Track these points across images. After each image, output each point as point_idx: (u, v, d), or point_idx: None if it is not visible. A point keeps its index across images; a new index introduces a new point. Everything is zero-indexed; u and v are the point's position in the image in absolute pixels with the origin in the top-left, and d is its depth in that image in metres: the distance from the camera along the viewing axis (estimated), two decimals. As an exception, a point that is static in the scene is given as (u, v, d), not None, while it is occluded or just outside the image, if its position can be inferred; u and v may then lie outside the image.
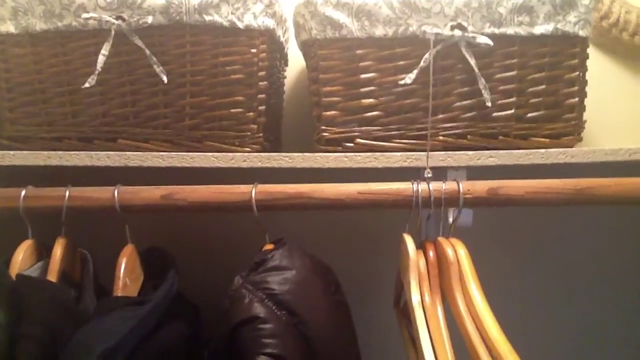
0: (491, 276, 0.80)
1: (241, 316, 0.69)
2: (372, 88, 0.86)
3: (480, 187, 0.79)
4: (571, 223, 1.15)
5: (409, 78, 0.85)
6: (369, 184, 0.79)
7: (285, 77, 1.09)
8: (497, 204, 0.80)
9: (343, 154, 0.83)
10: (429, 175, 0.82)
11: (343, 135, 0.87)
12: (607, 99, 1.11)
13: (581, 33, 0.86)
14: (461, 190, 0.78)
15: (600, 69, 1.11)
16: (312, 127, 0.90)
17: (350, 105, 0.87)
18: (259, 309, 0.69)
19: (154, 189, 0.80)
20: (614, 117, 1.11)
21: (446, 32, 0.84)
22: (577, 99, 0.87)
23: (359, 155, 0.83)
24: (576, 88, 0.87)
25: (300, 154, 0.83)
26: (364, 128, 0.87)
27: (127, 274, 0.79)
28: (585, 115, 0.89)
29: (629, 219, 1.14)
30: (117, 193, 0.79)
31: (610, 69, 1.13)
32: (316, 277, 0.78)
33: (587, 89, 0.89)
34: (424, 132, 0.87)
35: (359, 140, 0.86)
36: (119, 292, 0.77)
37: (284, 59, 1.05)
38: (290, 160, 0.83)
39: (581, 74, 0.88)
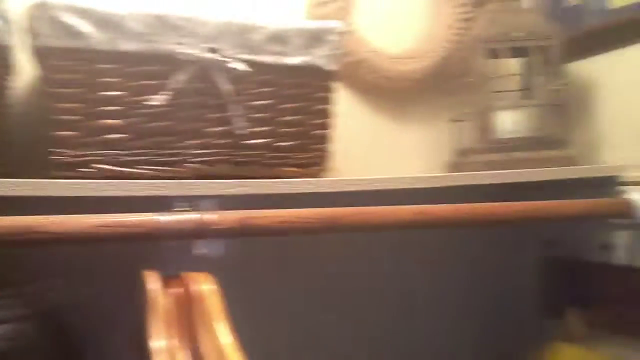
0: (245, 309, 0.77)
1: None
2: (117, 107, 0.79)
3: (231, 217, 0.76)
4: (331, 249, 1.16)
5: (159, 99, 0.79)
6: (110, 215, 0.71)
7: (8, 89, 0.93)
8: (248, 234, 0.78)
9: (76, 180, 0.74)
10: (186, 207, 0.77)
11: (80, 159, 0.77)
12: (351, 132, 1.17)
13: (330, 67, 0.89)
14: (210, 220, 0.74)
15: (346, 103, 1.17)
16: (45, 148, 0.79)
17: (91, 126, 0.77)
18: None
19: None
20: (358, 149, 1.19)
21: (200, 54, 0.81)
22: (325, 130, 0.90)
23: (94, 182, 0.74)
24: (325, 120, 0.90)
25: (24, 180, 0.71)
26: (106, 152, 0.78)
27: None
28: (332, 147, 0.92)
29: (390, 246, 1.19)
30: None
31: (354, 104, 1.20)
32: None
33: (334, 121, 0.92)
34: (174, 159, 0.82)
35: (99, 165, 0.78)
36: None
37: (7, 67, 0.90)
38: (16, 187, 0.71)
39: (329, 106, 0.91)
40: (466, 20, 1.22)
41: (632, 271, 1.01)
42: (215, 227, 0.75)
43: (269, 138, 0.86)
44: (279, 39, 0.85)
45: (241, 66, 0.82)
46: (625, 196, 1.00)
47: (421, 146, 1.26)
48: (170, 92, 0.80)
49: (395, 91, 1.22)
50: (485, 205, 0.89)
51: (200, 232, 0.74)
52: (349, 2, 1.16)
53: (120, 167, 0.79)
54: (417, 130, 1.26)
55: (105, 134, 0.78)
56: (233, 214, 0.77)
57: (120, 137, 0.79)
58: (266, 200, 0.83)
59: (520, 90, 1.16)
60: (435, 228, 0.89)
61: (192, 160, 0.83)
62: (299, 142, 0.88)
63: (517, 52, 1.10)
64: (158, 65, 0.80)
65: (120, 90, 0.79)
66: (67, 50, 0.76)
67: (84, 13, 0.75)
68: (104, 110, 0.78)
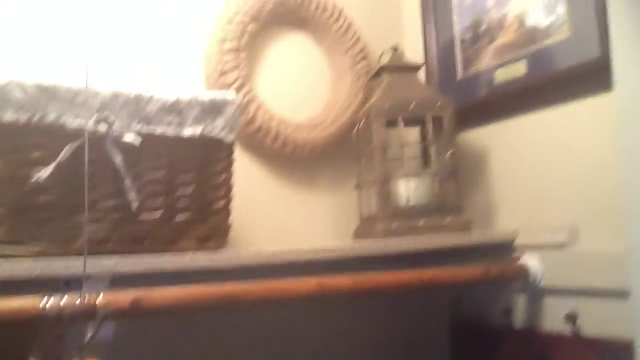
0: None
1: None
2: (-4, 182, 0.73)
3: (123, 297, 0.72)
4: (233, 324, 1.11)
5: (45, 173, 0.75)
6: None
7: None
8: (141, 315, 0.74)
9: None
10: (75, 287, 0.71)
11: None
12: (253, 202, 1.15)
13: (228, 138, 0.88)
14: (100, 302, 0.69)
15: (247, 172, 1.15)
16: None
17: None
18: None
19: None
20: (260, 219, 1.17)
21: (90, 125, 0.77)
22: (223, 202, 0.88)
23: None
24: (223, 191, 0.88)
25: None
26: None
27: None
28: (232, 218, 0.90)
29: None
30: None
31: (256, 172, 1.19)
32: None
33: (234, 192, 0.90)
34: (62, 235, 0.77)
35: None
36: None
37: None
38: None
39: (228, 177, 0.89)
40: (365, 90, 1.26)
41: (529, 334, 1.04)
42: (106, 308, 0.70)
43: (165, 211, 0.83)
44: (175, 110, 0.83)
45: (134, 137, 0.79)
46: (521, 261, 1.04)
47: (327, 214, 1.26)
48: (58, 165, 0.75)
49: (299, 159, 1.22)
50: (386, 275, 0.90)
51: (90, 314, 0.69)
52: (250, 72, 1.17)
53: (1, 245, 0.73)
54: (323, 198, 1.26)
55: (-18, 211, 0.72)
56: (125, 293, 0.72)
57: (1, 214, 0.73)
58: (164, 276, 0.79)
59: (418, 158, 1.20)
60: (338, 299, 0.88)
61: (82, 236, 0.78)
62: (197, 215, 0.85)
63: (414, 122, 1.15)
64: (44, 137, 0.76)
65: (2, 163, 0.74)
66: (-59, 121, 0.71)
67: (-39, 82, 0.71)
68: (-19, 185, 0.72)
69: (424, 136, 1.20)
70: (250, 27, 1.16)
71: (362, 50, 1.28)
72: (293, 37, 1.26)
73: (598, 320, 0.92)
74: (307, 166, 1.24)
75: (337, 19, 1.26)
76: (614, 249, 0.90)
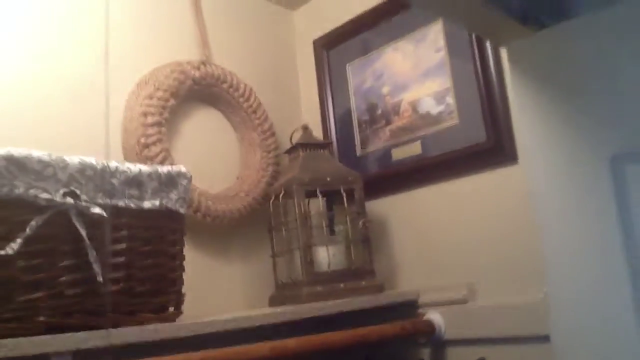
0: None
1: None
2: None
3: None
4: None
5: (11, 247, 0.72)
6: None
7: None
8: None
9: None
10: None
11: None
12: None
13: (181, 210, 0.91)
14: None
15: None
16: None
17: None
18: None
19: None
20: (203, 291, 1.18)
21: (58, 198, 0.76)
22: (178, 272, 0.90)
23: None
24: (178, 262, 0.90)
25: None
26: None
27: None
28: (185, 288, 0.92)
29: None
30: None
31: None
32: None
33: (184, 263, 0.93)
34: (22, 313, 0.73)
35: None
36: None
37: None
38: None
39: (181, 247, 0.92)
40: (277, 164, 1.35)
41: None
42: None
43: (125, 283, 0.83)
44: (135, 182, 0.85)
45: (100, 211, 0.79)
46: (426, 317, 1.17)
47: (242, 282, 1.30)
48: (23, 240, 0.73)
49: (216, 230, 1.26)
50: (330, 335, 0.97)
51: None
52: (170, 145, 1.20)
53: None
54: (237, 268, 1.30)
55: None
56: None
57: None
58: (128, 349, 0.78)
59: (329, 227, 1.31)
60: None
61: (43, 312, 0.75)
62: (155, 285, 0.86)
63: (327, 193, 1.25)
64: (10, 210, 0.73)
65: (-39, 239, 0.70)
66: None
67: None
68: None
69: (329, 206, 1.31)
70: (170, 103, 1.20)
71: (270, 127, 1.37)
72: (207, 113, 1.33)
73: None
74: (221, 237, 1.28)
75: (248, 98, 1.35)
76: (509, 301, 1.08)
